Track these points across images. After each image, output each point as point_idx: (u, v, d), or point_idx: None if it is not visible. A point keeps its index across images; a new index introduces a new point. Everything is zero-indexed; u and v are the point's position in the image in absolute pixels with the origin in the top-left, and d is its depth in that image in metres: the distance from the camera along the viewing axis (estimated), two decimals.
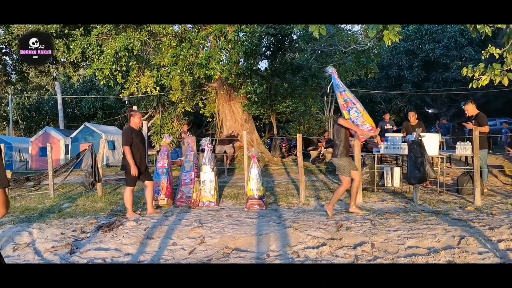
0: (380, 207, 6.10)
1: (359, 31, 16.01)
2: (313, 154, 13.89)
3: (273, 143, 16.96)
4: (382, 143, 8.14)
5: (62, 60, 14.11)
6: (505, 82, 5.19)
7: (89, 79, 27.62)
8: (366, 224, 4.72)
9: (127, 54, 11.54)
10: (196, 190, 6.69)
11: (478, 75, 5.67)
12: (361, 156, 7.39)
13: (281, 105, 14.69)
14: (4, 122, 29.74)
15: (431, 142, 6.91)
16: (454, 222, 4.64)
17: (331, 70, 5.72)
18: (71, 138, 18.44)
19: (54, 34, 12.81)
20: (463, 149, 7.18)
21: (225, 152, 11.32)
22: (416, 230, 4.35)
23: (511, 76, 5.14)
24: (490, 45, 5.78)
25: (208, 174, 6.73)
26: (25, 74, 16.46)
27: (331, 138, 14.34)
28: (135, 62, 12.45)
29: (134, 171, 5.61)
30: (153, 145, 16.71)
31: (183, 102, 14.88)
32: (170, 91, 14.01)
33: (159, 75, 13.06)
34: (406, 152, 6.77)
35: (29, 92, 29.18)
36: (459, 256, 3.62)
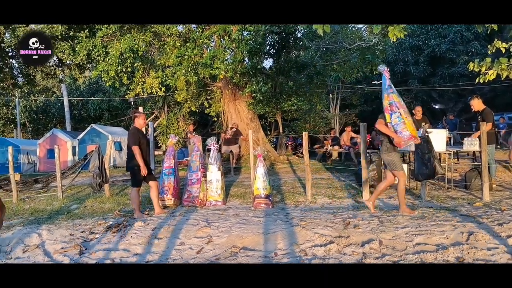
0: (388, 204, 6.07)
1: (364, 27, 15.88)
2: (320, 152, 13.85)
3: (279, 141, 16.92)
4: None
5: (68, 62, 14.21)
6: None
7: (95, 81, 27.78)
8: (374, 221, 4.70)
9: (132, 55, 11.57)
10: (203, 190, 6.71)
11: (485, 70, 5.63)
12: (368, 153, 7.36)
13: (286, 104, 14.63)
14: (12, 125, 29.99)
15: (439, 138, 6.85)
16: (463, 218, 4.60)
17: (382, 68, 5.34)
18: (78, 139, 18.55)
19: (60, 37, 12.90)
20: (470, 144, 7.12)
21: (231, 151, 11.33)
22: (424, 226, 4.32)
23: None
24: (496, 40, 5.74)
25: (214, 174, 6.76)
26: (32, 77, 16.57)
27: (337, 136, 14.30)
28: (140, 63, 12.48)
29: (144, 170, 5.67)
30: (159, 145, 16.75)
31: (189, 102, 14.89)
32: (176, 91, 14.02)
33: (164, 76, 13.09)
34: (413, 148, 6.73)
35: (36, 95, 29.36)
36: (468, 253, 3.60)
